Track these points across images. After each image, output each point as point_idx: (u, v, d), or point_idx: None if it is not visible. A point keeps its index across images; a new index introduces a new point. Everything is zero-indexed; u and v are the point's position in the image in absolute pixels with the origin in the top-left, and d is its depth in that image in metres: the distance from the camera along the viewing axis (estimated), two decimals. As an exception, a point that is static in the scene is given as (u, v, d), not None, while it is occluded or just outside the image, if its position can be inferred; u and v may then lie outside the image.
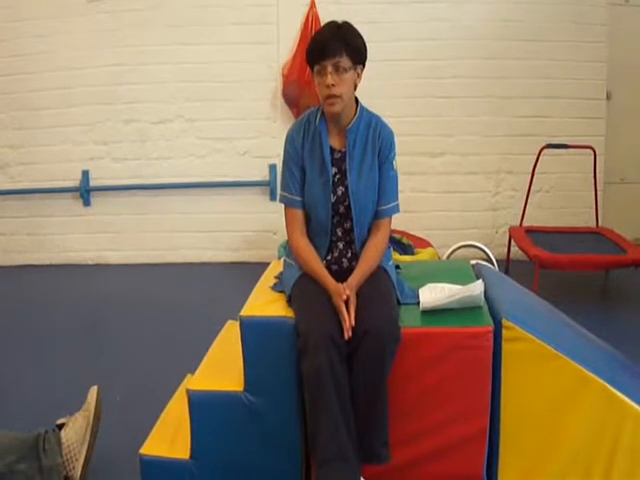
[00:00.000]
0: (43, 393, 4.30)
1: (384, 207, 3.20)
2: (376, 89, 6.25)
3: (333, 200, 3.16)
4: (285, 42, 6.75)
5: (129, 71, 6.83)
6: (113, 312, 5.77)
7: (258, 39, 6.81)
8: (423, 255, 5.84)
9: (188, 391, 3.05)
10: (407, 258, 5.55)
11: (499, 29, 6.77)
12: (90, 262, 7.11)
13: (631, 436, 2.88)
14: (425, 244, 6.26)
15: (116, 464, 3.49)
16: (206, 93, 6.87)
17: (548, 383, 2.92)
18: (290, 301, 3.09)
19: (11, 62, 6.85)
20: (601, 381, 2.90)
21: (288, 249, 3.30)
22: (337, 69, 3.04)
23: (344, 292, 2.92)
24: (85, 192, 6.98)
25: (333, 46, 3.04)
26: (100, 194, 7.04)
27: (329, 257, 3.19)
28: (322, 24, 6.37)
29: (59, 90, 6.88)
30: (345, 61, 3.05)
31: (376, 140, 3.17)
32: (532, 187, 6.49)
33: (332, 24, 3.15)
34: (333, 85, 3.04)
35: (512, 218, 6.80)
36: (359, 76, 3.15)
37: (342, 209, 3.17)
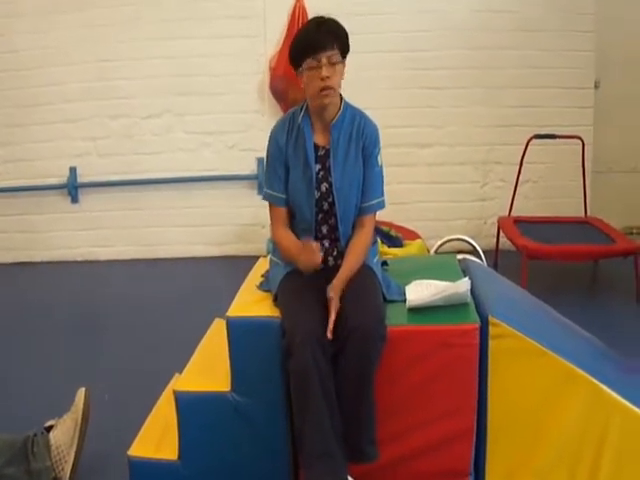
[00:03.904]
0: (31, 394, 4.29)
1: (368, 203, 3.19)
2: (364, 81, 6.26)
3: (317, 196, 3.15)
4: (272, 35, 6.74)
5: (115, 66, 6.81)
6: (102, 309, 5.78)
7: (245, 32, 6.79)
8: (412, 247, 5.84)
9: (175, 392, 3.05)
10: (395, 251, 5.55)
11: (487, 19, 6.76)
12: (79, 258, 7.10)
13: (618, 431, 2.89)
14: (414, 236, 6.25)
15: (105, 465, 3.50)
16: (193, 87, 6.85)
17: (535, 379, 2.92)
18: (276, 300, 3.09)
19: (-2, 59, 6.85)
20: (588, 377, 2.90)
21: (273, 247, 3.30)
22: (331, 62, 3.04)
23: (328, 294, 2.92)
24: (73, 189, 6.97)
25: (327, 39, 3.04)
26: (88, 190, 7.02)
27: (314, 256, 3.18)
28: (309, 17, 6.43)
29: (44, 87, 6.87)
30: (336, 54, 3.06)
31: (360, 136, 3.16)
32: (520, 177, 6.48)
33: (319, 19, 3.14)
34: (328, 77, 3.04)
35: (500, 208, 6.79)
36: (344, 70, 3.15)
37: (326, 206, 3.16)
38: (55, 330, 5.35)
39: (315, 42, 3.05)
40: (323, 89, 3.06)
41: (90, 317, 5.64)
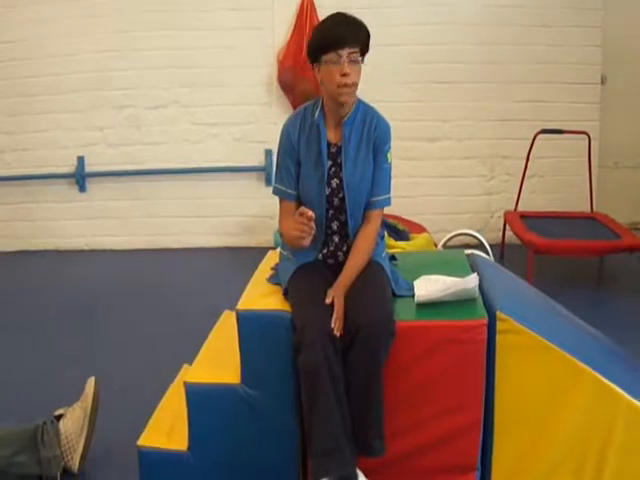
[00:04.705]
0: (39, 384, 4.32)
1: (375, 199, 3.20)
2: (373, 74, 6.24)
3: (328, 192, 3.17)
4: (280, 27, 6.76)
5: (123, 57, 6.84)
6: (109, 299, 5.79)
7: (253, 24, 6.82)
8: (418, 240, 5.86)
9: (185, 384, 3.07)
10: (402, 244, 5.57)
11: (495, 14, 6.79)
12: (85, 247, 7.14)
13: (624, 427, 2.90)
14: (420, 229, 6.28)
15: (114, 455, 3.54)
16: (201, 78, 6.89)
17: (542, 375, 2.94)
18: (286, 294, 3.11)
19: (4, 48, 6.85)
20: (594, 372, 2.91)
21: (282, 241, 3.32)
22: (350, 60, 3.04)
23: (328, 296, 2.95)
24: (80, 178, 6.99)
25: (351, 36, 3.04)
26: (95, 180, 7.06)
27: (325, 251, 3.20)
28: (317, 9, 6.46)
29: (53, 76, 6.89)
30: (357, 52, 3.06)
31: (372, 133, 3.17)
32: (527, 172, 6.51)
33: (344, 15, 3.13)
34: (349, 74, 3.03)
35: (507, 203, 6.84)
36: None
37: (336, 201, 3.18)
38: (62, 320, 5.38)
39: (340, 36, 3.04)
40: (342, 86, 3.05)
41: (96, 307, 5.65)
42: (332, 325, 2.85)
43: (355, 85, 3.08)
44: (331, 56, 3.04)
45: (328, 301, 2.93)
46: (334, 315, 2.88)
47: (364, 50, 3.10)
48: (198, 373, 3.16)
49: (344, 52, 3.03)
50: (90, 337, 5.08)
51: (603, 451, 2.92)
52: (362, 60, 3.11)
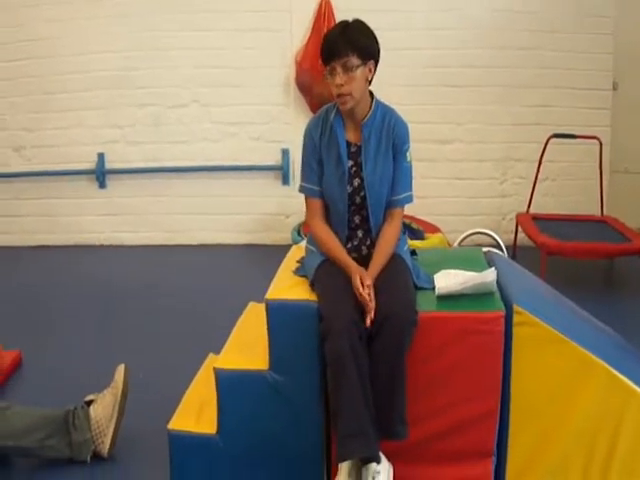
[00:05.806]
0: (67, 373, 4.42)
1: (397, 197, 3.32)
2: (387, 77, 6.35)
3: (349, 191, 3.28)
4: (298, 29, 6.88)
5: (144, 56, 6.95)
6: (128, 294, 5.89)
7: (272, 26, 6.93)
8: (432, 240, 5.97)
9: (216, 369, 3.17)
10: (416, 243, 5.67)
11: (507, 20, 6.89)
12: (105, 243, 7.26)
13: (634, 417, 3.01)
14: (434, 229, 6.39)
15: (142, 439, 3.66)
16: (220, 79, 7.00)
17: (555, 366, 3.04)
18: (313, 285, 3.22)
19: (27, 46, 6.98)
20: (606, 365, 3.01)
21: (309, 236, 3.44)
22: (346, 69, 3.14)
23: (365, 281, 3.06)
24: (100, 174, 7.11)
25: (340, 47, 3.14)
26: (115, 177, 7.18)
27: (349, 245, 3.31)
28: (335, 12, 6.57)
29: (74, 74, 7.01)
30: (353, 60, 3.14)
31: (390, 133, 3.28)
32: (539, 175, 6.61)
33: (341, 24, 3.24)
34: (342, 85, 3.16)
35: (519, 205, 6.92)
36: (371, 71, 3.23)
37: (358, 199, 3.29)
38: (86, 313, 5.49)
39: (329, 50, 3.17)
40: (338, 96, 3.19)
41: (116, 301, 5.77)
42: (370, 317, 2.96)
43: (353, 92, 3.17)
44: (328, 68, 3.18)
45: (369, 283, 3.04)
46: (370, 310, 2.98)
47: (365, 55, 3.17)
48: (227, 360, 3.27)
49: (336, 64, 3.15)
50: (112, 329, 5.20)
51: (613, 441, 3.02)
52: (368, 64, 3.19)
